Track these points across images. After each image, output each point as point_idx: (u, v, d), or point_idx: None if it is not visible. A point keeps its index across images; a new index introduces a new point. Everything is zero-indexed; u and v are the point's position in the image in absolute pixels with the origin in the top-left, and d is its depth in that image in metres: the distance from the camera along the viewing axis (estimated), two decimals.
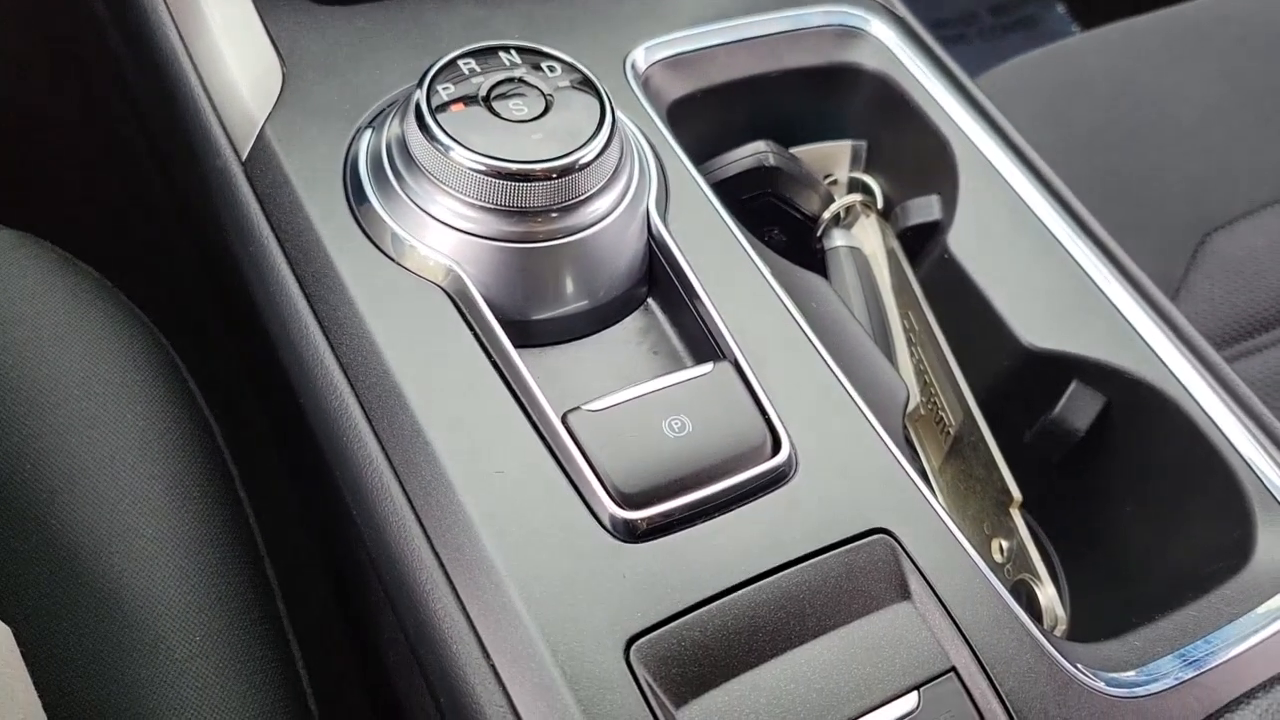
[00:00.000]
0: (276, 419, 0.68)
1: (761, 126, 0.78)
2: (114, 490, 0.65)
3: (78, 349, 0.70)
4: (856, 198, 0.78)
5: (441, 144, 0.58)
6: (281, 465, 0.70)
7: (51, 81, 0.87)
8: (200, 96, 0.64)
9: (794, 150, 0.79)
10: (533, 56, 0.62)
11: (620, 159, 0.61)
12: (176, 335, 0.75)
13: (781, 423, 0.57)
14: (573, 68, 0.62)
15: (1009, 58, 1.98)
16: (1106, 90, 1.08)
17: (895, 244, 0.77)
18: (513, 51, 0.62)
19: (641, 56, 0.73)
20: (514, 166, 0.57)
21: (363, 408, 0.55)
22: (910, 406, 0.66)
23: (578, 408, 0.55)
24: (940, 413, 0.71)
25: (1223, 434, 0.64)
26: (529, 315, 0.60)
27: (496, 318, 0.58)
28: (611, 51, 0.72)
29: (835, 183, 0.82)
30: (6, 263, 0.73)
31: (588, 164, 0.58)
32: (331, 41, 0.68)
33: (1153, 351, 0.67)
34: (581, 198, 0.59)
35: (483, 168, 0.57)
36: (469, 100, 0.59)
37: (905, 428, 0.65)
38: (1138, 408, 0.66)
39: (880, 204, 0.80)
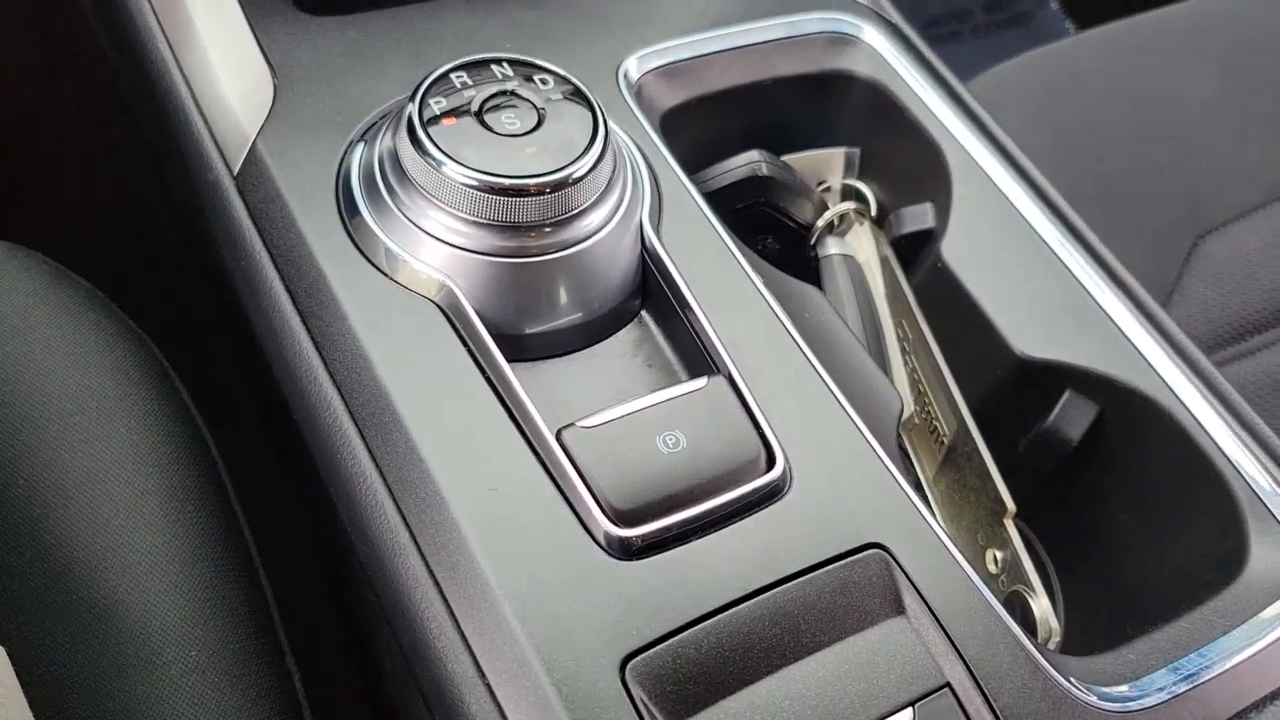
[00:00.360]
0: (273, 431, 0.68)
1: (755, 134, 0.78)
2: (108, 505, 0.65)
3: (70, 363, 0.70)
4: (850, 206, 0.78)
5: (433, 158, 0.57)
6: (278, 477, 0.70)
7: (47, 91, 0.86)
8: (191, 110, 0.64)
9: (787, 157, 0.79)
10: (525, 69, 0.62)
11: (613, 172, 0.61)
12: (170, 345, 0.74)
13: (776, 437, 0.57)
14: (565, 80, 0.62)
15: (1003, 55, 1.97)
16: (1099, 92, 1.08)
17: (889, 252, 0.77)
18: (505, 64, 0.62)
19: (634, 66, 0.72)
20: (506, 181, 0.57)
21: (357, 425, 0.55)
22: (904, 416, 0.67)
23: (572, 424, 0.55)
24: (934, 422, 0.71)
25: (1215, 444, 0.64)
26: (522, 329, 0.60)
27: (490, 332, 0.58)
28: (604, 61, 0.72)
29: (829, 189, 0.82)
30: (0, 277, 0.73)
31: (581, 178, 0.58)
32: (323, 52, 0.68)
33: (1145, 361, 0.67)
34: (575, 212, 0.59)
35: (475, 183, 0.57)
36: (461, 114, 0.59)
37: (900, 437, 0.66)
38: (1131, 417, 0.67)
39: (874, 211, 0.79)
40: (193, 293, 0.77)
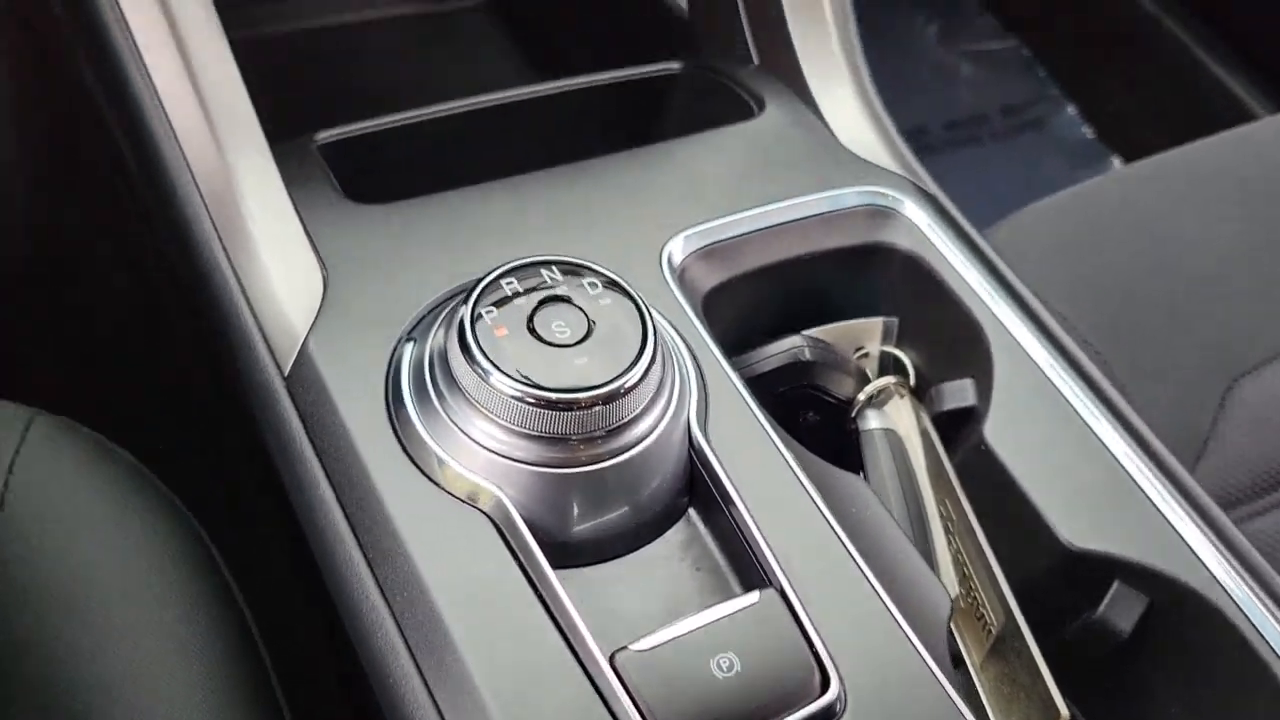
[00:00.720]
0: (326, 627, 0.68)
1: (794, 306, 0.79)
2: (153, 702, 0.64)
3: (115, 548, 0.70)
4: (890, 380, 0.78)
5: (483, 369, 0.58)
6: (326, 669, 0.69)
7: (101, 268, 0.88)
8: (244, 310, 0.65)
9: (826, 327, 0.79)
10: (574, 270, 0.63)
11: (662, 377, 0.61)
12: (215, 523, 0.74)
13: (830, 656, 0.56)
14: (614, 282, 0.63)
15: (1021, 158, 2.00)
16: (1129, 234, 1.09)
17: (929, 425, 0.77)
18: (554, 268, 0.63)
19: (678, 247, 0.73)
20: (556, 396, 0.57)
21: (410, 651, 0.55)
22: (952, 599, 0.66)
23: (625, 647, 0.55)
24: (981, 609, 0.70)
25: (1268, 644, 0.63)
26: (571, 537, 0.60)
27: (539, 538, 0.58)
28: (648, 244, 0.72)
29: (866, 355, 0.82)
30: (45, 453, 0.73)
31: (631, 389, 0.59)
32: (371, 243, 0.69)
33: (1194, 555, 0.66)
34: (625, 421, 0.59)
35: (527, 397, 0.57)
36: (512, 323, 0.60)
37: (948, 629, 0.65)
38: (1181, 611, 0.66)
39: (913, 380, 0.80)
40: (240, 473, 0.77)
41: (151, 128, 0.63)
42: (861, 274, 0.80)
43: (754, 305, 0.77)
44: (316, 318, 0.64)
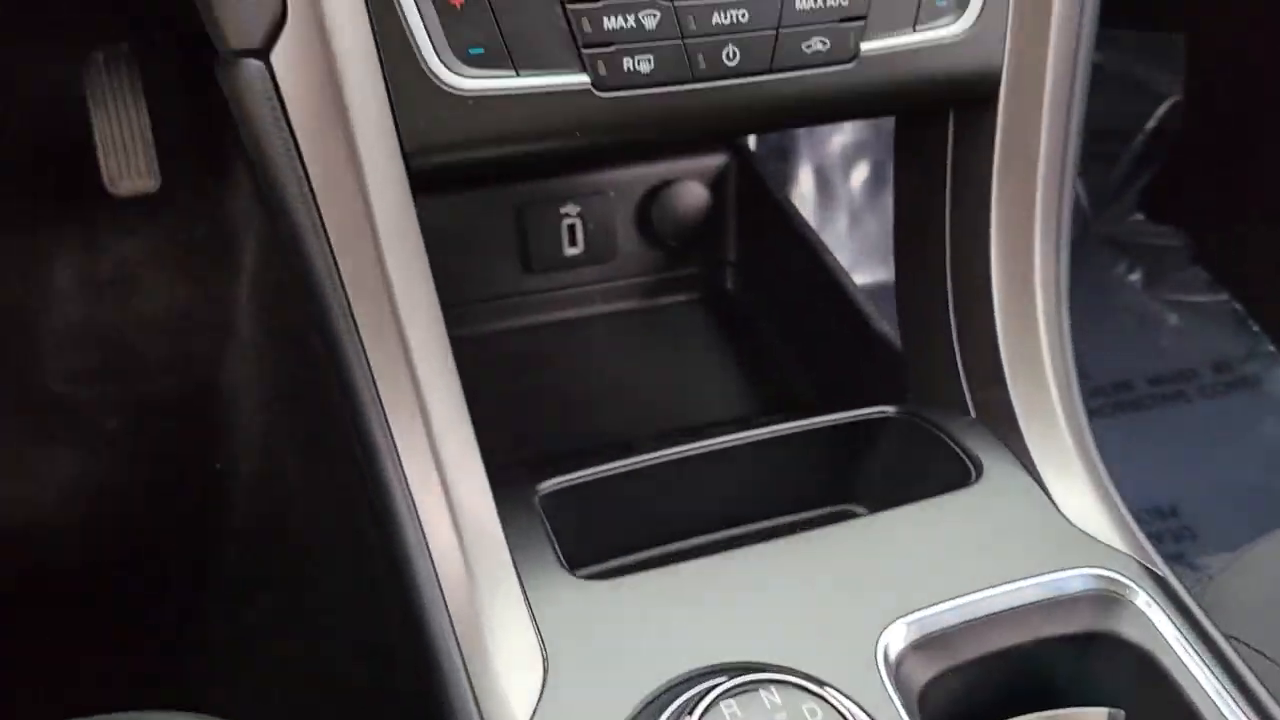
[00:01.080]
0: None
1: (1007, 691, 0.75)
2: None
3: None
4: None
5: None
6: None
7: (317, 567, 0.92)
8: (468, 698, 0.66)
9: (1043, 714, 0.75)
10: (793, 689, 0.62)
11: None
12: None
13: None
14: (832, 707, 0.61)
15: (1233, 419, 1.90)
16: None
17: None
18: (773, 690, 0.62)
19: (895, 638, 0.71)
20: None
21: None
22: None
23: None
24: None
25: None
26: None
27: None
28: (864, 634, 0.71)
29: None
30: None
31: None
32: (589, 626, 0.70)
33: None
34: None
35: None
36: None
37: None
38: None
39: None
40: None
41: (409, 551, 0.67)
42: (1085, 663, 0.76)
43: (966, 692, 0.74)
44: (535, 711, 0.65)
